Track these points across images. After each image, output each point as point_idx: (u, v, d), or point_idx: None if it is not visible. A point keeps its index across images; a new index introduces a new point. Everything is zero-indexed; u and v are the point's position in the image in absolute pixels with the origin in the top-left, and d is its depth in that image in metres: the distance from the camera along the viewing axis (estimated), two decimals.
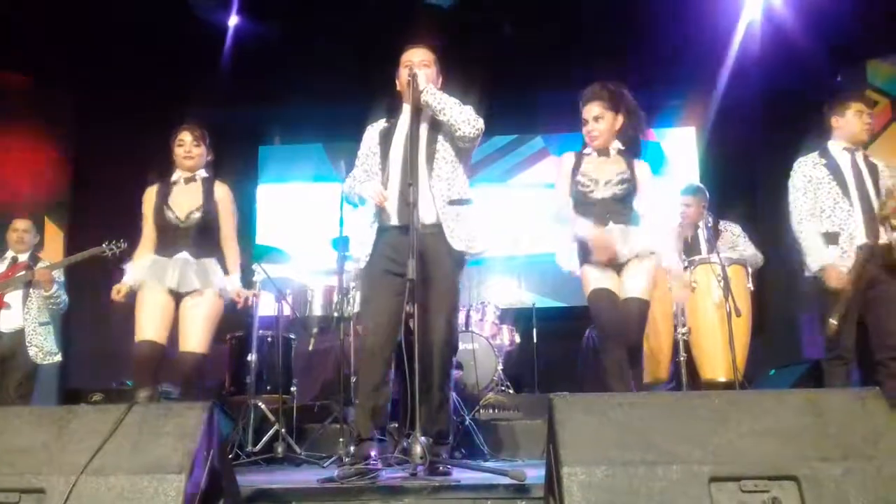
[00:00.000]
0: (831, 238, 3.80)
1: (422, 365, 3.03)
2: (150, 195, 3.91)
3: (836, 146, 3.94)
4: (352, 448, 3.91)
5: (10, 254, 5.06)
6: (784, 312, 6.17)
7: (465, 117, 3.36)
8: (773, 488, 1.89)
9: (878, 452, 1.92)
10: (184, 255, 3.74)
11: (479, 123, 3.40)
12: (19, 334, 4.84)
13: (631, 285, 3.51)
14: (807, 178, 3.90)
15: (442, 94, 3.39)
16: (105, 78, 7.05)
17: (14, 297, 4.87)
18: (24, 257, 5.06)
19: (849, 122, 3.92)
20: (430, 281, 3.28)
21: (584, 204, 3.61)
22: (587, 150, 3.72)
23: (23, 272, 4.89)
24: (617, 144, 3.68)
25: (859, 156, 3.91)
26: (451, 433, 3.45)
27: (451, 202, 3.40)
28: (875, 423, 1.99)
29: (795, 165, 3.97)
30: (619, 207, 3.57)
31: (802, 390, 2.21)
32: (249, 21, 6.84)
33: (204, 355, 3.71)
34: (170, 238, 3.80)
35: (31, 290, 4.88)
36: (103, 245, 4.62)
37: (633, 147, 3.71)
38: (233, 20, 6.90)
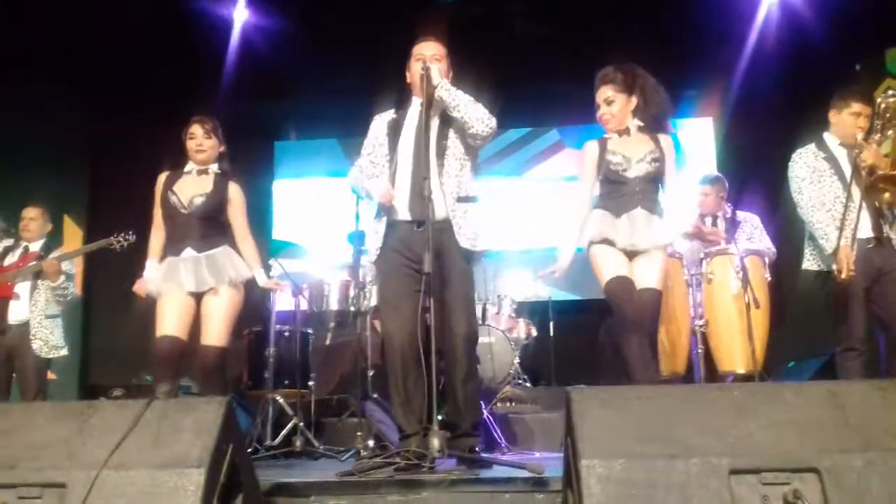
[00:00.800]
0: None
1: (445, 360, 3.03)
2: (160, 182, 3.93)
3: (832, 140, 3.85)
4: (370, 442, 3.95)
5: (22, 243, 4.98)
6: (803, 304, 6.12)
7: (478, 115, 3.36)
8: (793, 480, 1.87)
9: None
10: (190, 252, 3.75)
11: (492, 122, 3.39)
12: (25, 326, 4.75)
13: (644, 276, 3.49)
14: (810, 169, 3.80)
15: (456, 91, 3.38)
16: (120, 75, 7.09)
17: (23, 287, 4.80)
18: (35, 247, 4.97)
19: (843, 120, 3.79)
20: (446, 276, 3.29)
21: (617, 183, 3.58)
22: (608, 135, 3.69)
23: (33, 262, 4.82)
24: (635, 122, 3.65)
25: (855, 153, 3.76)
26: (480, 425, 3.45)
27: (460, 199, 3.40)
28: None
29: (795, 156, 3.87)
30: (650, 190, 3.57)
31: (823, 382, 2.19)
32: (264, 16, 6.85)
33: (224, 348, 3.72)
34: (176, 227, 3.81)
35: (38, 282, 4.80)
36: (111, 237, 4.57)
37: (655, 125, 3.67)
38: (247, 16, 6.92)
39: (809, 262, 3.83)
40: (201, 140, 3.89)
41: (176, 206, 3.81)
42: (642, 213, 3.52)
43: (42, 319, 4.78)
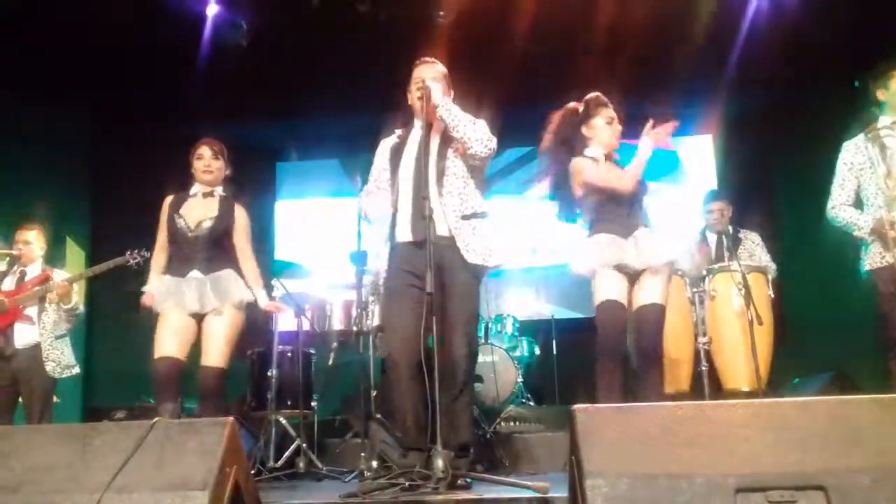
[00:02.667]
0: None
1: (442, 378, 3.02)
2: (165, 204, 3.96)
3: (885, 121, 3.66)
4: (373, 463, 3.93)
5: (18, 267, 4.89)
6: (806, 320, 6.12)
7: (478, 136, 3.38)
8: (800, 499, 1.86)
9: None
10: (196, 273, 3.78)
11: (492, 143, 3.41)
12: (35, 349, 4.70)
13: (647, 292, 3.58)
14: (847, 166, 3.71)
15: (457, 110, 3.39)
16: (123, 96, 7.13)
17: (30, 311, 4.75)
18: (34, 270, 4.90)
19: (895, 93, 3.66)
20: (448, 293, 3.29)
21: (611, 202, 3.66)
22: (595, 157, 3.78)
23: (39, 286, 4.77)
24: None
25: None
26: (472, 446, 3.43)
27: (465, 216, 3.41)
28: None
29: (841, 148, 3.77)
30: (639, 208, 3.70)
31: (828, 398, 2.19)
32: (265, 38, 6.88)
33: (223, 370, 3.72)
34: (182, 251, 3.84)
35: (45, 304, 4.76)
36: (126, 255, 4.50)
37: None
38: (249, 37, 6.95)
39: (867, 265, 3.70)
40: (209, 161, 3.93)
41: (182, 229, 3.83)
42: (646, 231, 3.63)
43: (52, 341, 4.74)
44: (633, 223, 3.63)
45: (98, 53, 6.67)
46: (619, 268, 3.56)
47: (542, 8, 6.52)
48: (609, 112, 3.80)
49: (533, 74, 7.17)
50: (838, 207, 3.73)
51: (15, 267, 4.90)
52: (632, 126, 3.95)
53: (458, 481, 2.97)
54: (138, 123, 7.23)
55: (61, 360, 4.77)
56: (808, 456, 1.93)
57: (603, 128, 3.78)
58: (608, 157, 3.78)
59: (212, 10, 6.56)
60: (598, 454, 1.98)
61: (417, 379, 3.31)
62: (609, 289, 3.56)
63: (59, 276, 4.89)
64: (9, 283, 4.84)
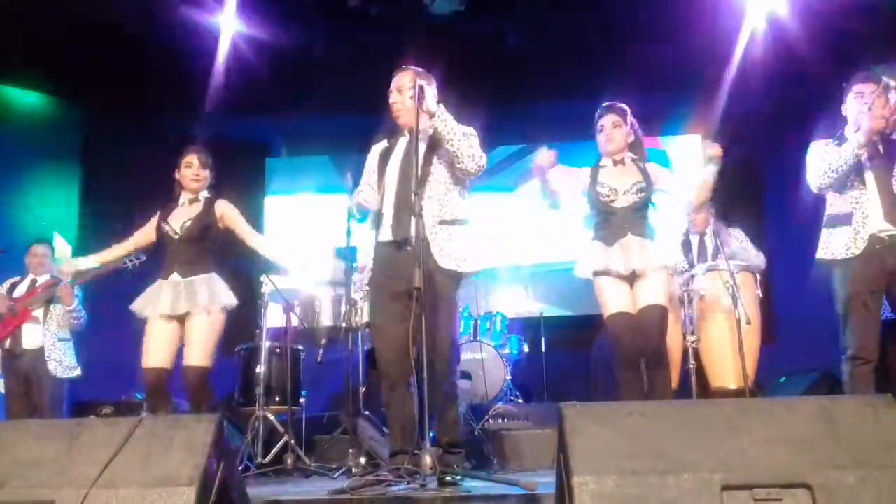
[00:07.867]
0: (843, 219, 3.54)
1: (428, 378, 3.04)
2: (156, 215, 4.14)
3: (849, 130, 3.68)
4: (361, 459, 3.94)
5: (29, 276, 5.27)
6: (793, 319, 6.15)
7: (470, 152, 3.37)
8: (785, 497, 1.88)
9: (891, 460, 1.90)
10: (175, 276, 3.92)
11: (482, 160, 3.42)
12: (40, 351, 5.02)
13: (648, 294, 3.66)
14: (820, 153, 3.64)
15: (453, 122, 3.36)
16: (114, 90, 7.09)
17: (36, 313, 5.10)
18: (43, 279, 5.25)
19: (849, 106, 3.71)
20: (427, 296, 3.28)
21: (605, 213, 3.78)
22: (602, 163, 3.90)
23: (46, 289, 5.11)
24: (629, 154, 3.89)
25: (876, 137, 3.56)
26: (463, 443, 3.44)
27: (443, 222, 3.41)
28: (888, 431, 1.97)
29: (809, 148, 3.74)
30: (638, 217, 3.76)
31: (814, 397, 2.20)
32: (255, 33, 6.86)
33: (206, 368, 3.84)
34: (167, 256, 4.00)
35: (50, 307, 5.09)
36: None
37: (642, 156, 3.94)
38: (239, 33, 6.92)
39: (823, 252, 3.61)
40: (198, 170, 4.08)
41: (168, 233, 3.99)
42: (634, 239, 3.70)
43: (55, 342, 5.09)
44: (621, 232, 3.71)
45: (89, 50, 6.65)
46: (610, 272, 3.65)
47: (535, 8, 6.53)
48: (612, 117, 3.87)
49: (523, 73, 7.18)
50: (823, 168, 3.60)
51: (26, 277, 5.29)
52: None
53: (447, 478, 2.97)
54: (128, 118, 7.19)
55: (63, 360, 5.10)
56: (794, 454, 1.94)
57: (608, 129, 3.88)
58: (617, 162, 3.86)
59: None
60: (585, 451, 1.98)
61: (404, 381, 3.35)
62: (613, 300, 3.67)
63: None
64: (20, 291, 5.22)
